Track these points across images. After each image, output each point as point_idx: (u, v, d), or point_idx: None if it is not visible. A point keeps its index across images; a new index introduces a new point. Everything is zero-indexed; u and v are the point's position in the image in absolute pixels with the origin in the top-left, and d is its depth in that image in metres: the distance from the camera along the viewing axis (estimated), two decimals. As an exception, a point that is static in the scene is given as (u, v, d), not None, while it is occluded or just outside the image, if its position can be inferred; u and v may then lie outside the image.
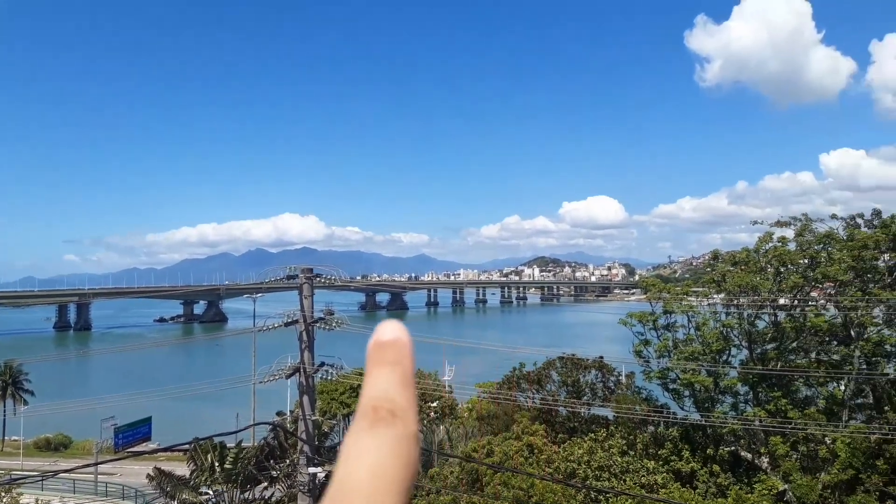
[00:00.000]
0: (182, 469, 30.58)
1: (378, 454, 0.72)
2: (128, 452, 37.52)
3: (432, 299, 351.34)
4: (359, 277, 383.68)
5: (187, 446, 27.80)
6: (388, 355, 0.79)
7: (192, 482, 28.69)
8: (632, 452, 32.66)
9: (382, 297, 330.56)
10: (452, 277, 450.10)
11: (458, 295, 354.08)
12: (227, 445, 29.46)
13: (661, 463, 31.49)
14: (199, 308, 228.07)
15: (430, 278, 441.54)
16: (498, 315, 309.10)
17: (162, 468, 29.85)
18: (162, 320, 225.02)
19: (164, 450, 32.11)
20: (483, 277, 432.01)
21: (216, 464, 27.73)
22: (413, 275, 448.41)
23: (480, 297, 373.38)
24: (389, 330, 0.81)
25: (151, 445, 50.26)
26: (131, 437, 54.11)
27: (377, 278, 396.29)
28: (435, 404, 57.75)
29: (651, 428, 34.96)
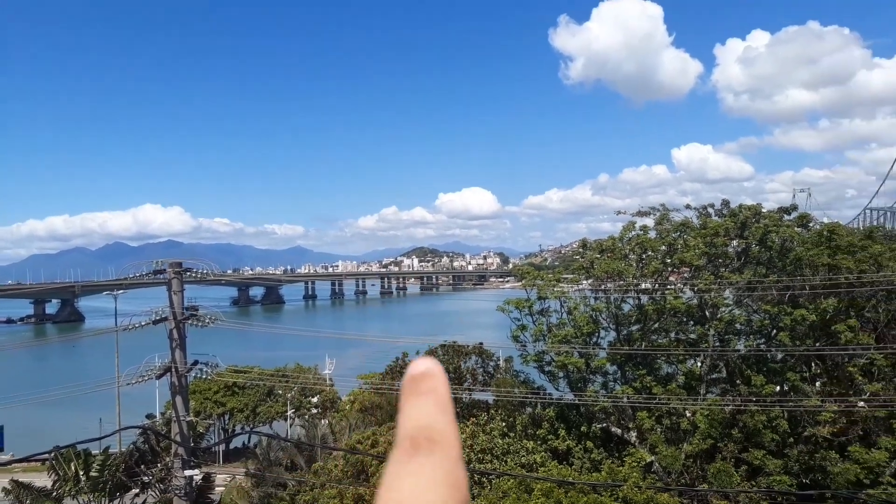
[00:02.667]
0: (42, 480, 28.24)
1: (420, 480, 0.69)
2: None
3: (310, 292, 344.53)
4: (230, 271, 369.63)
5: (47, 456, 25.70)
6: (421, 386, 0.79)
7: (54, 493, 26.57)
8: (512, 434, 33.68)
9: (256, 292, 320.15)
10: (331, 269, 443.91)
11: (336, 287, 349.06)
12: (93, 453, 27.54)
13: (539, 442, 32.68)
14: (51, 307, 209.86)
15: (306, 271, 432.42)
16: (378, 306, 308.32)
17: (19, 480, 27.43)
18: (10, 321, 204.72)
19: (21, 460, 29.44)
20: (362, 269, 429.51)
21: (80, 473, 25.85)
22: (289, 267, 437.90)
23: (360, 288, 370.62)
24: (422, 364, 0.81)
25: (4, 457, 46.04)
26: (-20, 448, 49.46)
27: (250, 272, 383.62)
28: (316, 399, 56.87)
29: (529, 409, 36.21)
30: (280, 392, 56.53)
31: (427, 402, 0.77)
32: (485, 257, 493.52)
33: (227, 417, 59.73)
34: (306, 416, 53.96)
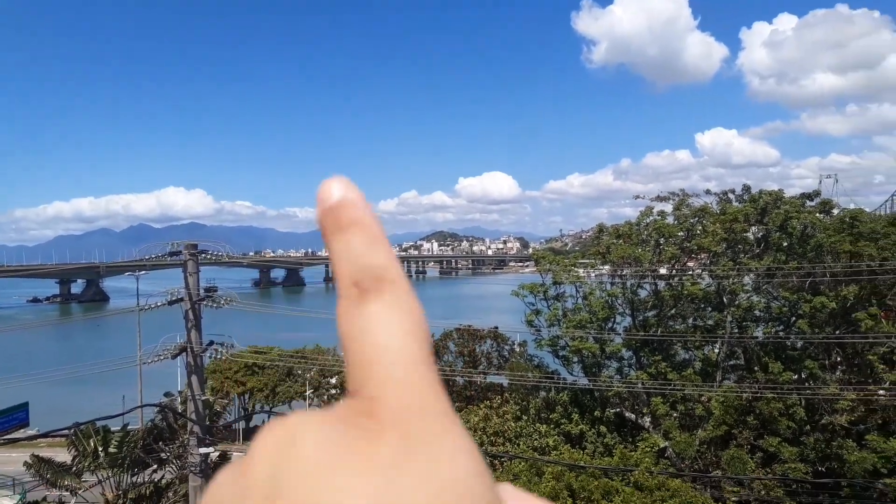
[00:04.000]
0: (63, 456, 28.89)
1: (385, 328, 0.58)
2: (2, 440, 35.05)
3: (331, 275, 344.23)
4: (251, 253, 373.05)
5: (67, 432, 26.26)
6: (342, 218, 0.65)
7: (73, 468, 27.16)
8: (525, 417, 33.82)
9: (278, 273, 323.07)
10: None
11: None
12: (112, 430, 28.08)
13: (552, 426, 32.78)
14: (76, 287, 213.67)
15: (327, 254, 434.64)
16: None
17: (41, 455, 28.07)
18: (36, 300, 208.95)
19: (43, 436, 30.16)
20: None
21: (99, 448, 26.37)
22: (310, 250, 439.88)
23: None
24: (334, 189, 0.65)
25: (30, 432, 47.18)
26: (6, 423, 50.50)
27: (271, 254, 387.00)
28: (334, 380, 57.43)
29: (543, 393, 36.28)
30: (300, 372, 57.15)
31: (356, 238, 0.64)
32: (504, 242, 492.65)
33: (246, 397, 60.60)
34: (324, 397, 54.54)
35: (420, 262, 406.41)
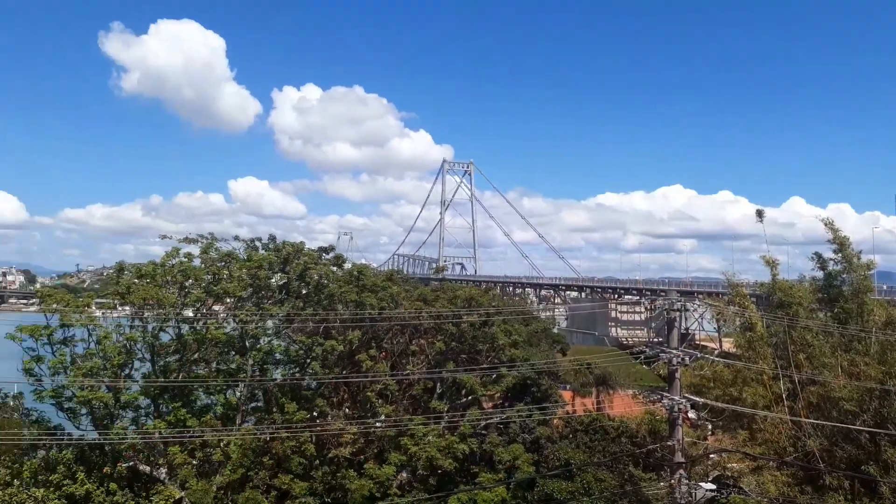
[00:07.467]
0: None
1: None
2: None
3: None
4: None
5: None
6: None
7: None
8: (17, 482, 29.00)
9: None
10: None
11: None
12: None
13: (52, 489, 28.75)
14: None
15: None
16: None
17: None
18: None
19: None
20: None
21: None
22: None
23: None
24: None
25: None
26: None
27: None
28: None
29: (42, 452, 31.56)
30: None
31: None
32: (4, 274, 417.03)
33: None
34: None
35: None
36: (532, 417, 34.18)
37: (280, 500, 31.59)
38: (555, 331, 68.25)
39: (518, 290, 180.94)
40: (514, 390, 37.62)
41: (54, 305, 31.24)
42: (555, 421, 36.88)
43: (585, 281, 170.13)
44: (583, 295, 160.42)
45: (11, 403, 37.03)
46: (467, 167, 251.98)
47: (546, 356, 41.31)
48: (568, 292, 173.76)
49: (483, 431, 34.69)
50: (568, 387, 49.23)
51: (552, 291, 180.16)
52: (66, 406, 31.11)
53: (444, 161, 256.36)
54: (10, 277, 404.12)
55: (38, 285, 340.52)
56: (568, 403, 42.98)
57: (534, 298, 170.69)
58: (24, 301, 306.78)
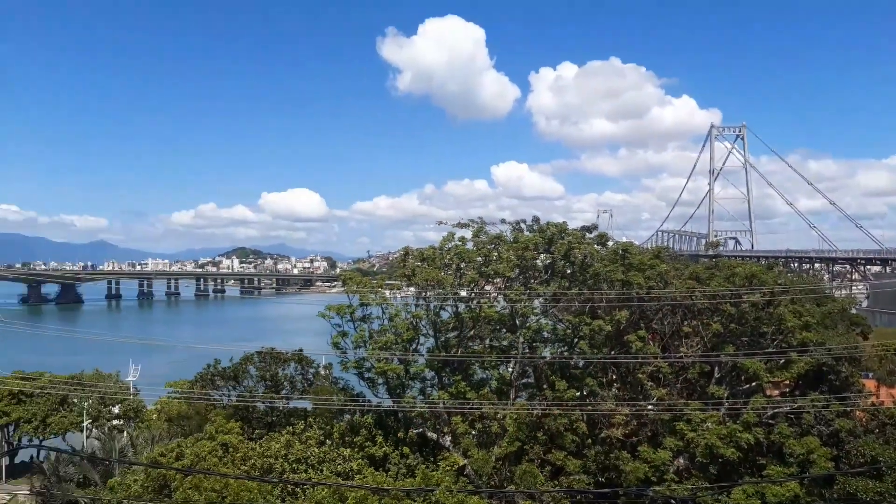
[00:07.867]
0: None
1: None
2: None
3: (114, 291, 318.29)
4: (18, 265, 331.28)
5: None
6: None
7: None
8: (328, 442, 33.46)
9: (51, 289, 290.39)
10: (139, 267, 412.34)
11: (145, 287, 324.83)
12: None
13: (356, 450, 32.73)
14: None
15: (110, 268, 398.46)
16: (192, 309, 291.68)
17: None
18: None
19: None
20: (175, 268, 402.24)
21: None
22: (89, 263, 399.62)
23: (172, 289, 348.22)
24: None
25: None
26: None
27: (43, 267, 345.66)
28: (117, 408, 52.53)
29: (347, 416, 36.16)
30: (76, 401, 51.52)
31: None
32: (311, 261, 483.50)
33: (11, 428, 53.57)
34: (105, 428, 49.66)
35: (219, 280, 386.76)
36: (829, 408, 30.60)
37: (554, 475, 32.30)
38: (853, 311, 60.02)
39: (805, 266, 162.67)
40: (807, 378, 33.93)
41: (354, 287, 35.63)
42: (857, 413, 32.66)
43: (891, 253, 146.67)
44: (888, 269, 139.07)
45: (323, 373, 43.00)
46: (739, 131, 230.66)
47: (845, 340, 36.57)
48: (869, 267, 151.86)
49: (770, 421, 31.86)
50: (871, 375, 43.51)
51: (848, 266, 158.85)
52: (366, 376, 35.43)
53: (712, 126, 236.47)
54: (315, 264, 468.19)
55: (338, 270, 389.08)
56: (873, 394, 37.75)
57: (826, 275, 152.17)
58: (328, 284, 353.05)
